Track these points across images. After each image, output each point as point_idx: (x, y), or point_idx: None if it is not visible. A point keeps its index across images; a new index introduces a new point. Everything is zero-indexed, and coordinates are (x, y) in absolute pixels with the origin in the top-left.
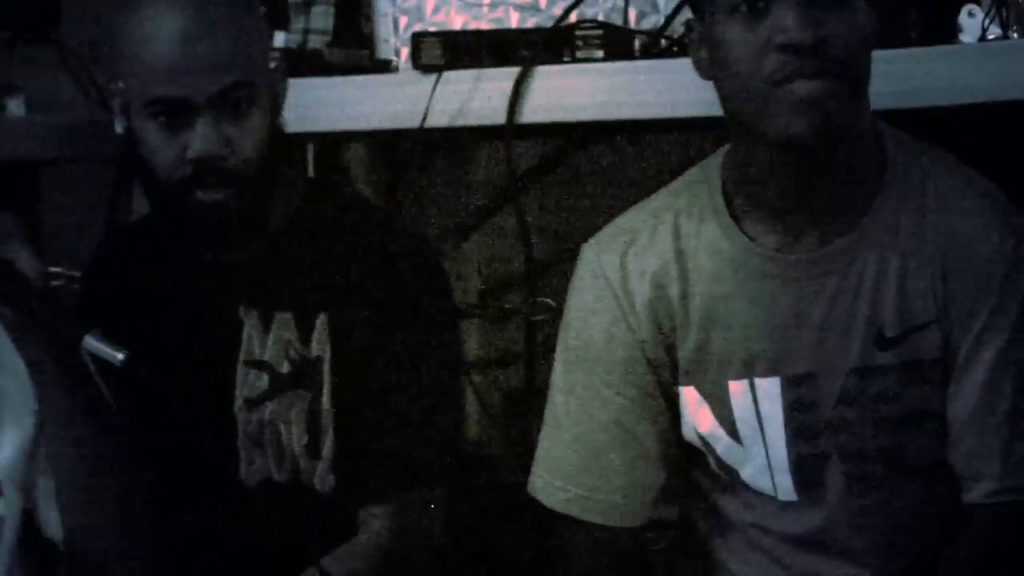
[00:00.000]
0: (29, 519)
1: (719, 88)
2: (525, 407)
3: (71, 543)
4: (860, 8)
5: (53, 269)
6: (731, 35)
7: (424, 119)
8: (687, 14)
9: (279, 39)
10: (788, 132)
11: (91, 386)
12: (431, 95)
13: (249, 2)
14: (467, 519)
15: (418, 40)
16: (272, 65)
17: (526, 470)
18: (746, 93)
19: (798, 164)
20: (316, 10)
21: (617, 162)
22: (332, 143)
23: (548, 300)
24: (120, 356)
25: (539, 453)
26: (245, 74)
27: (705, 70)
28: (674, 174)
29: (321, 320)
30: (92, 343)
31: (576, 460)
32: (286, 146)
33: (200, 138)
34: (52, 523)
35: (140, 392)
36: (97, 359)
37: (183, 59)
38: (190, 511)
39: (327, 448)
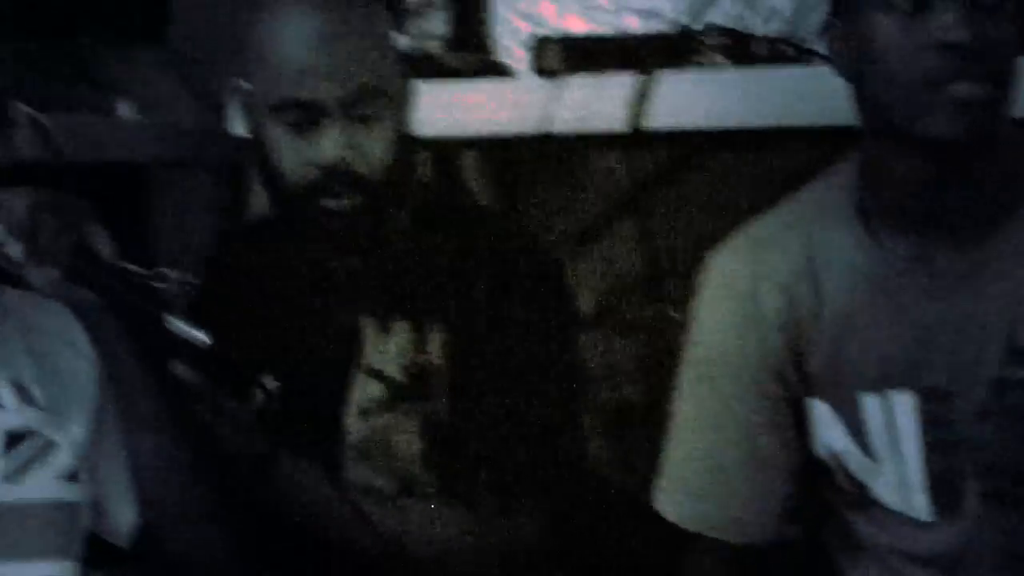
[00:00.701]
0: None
1: (864, 88)
2: (645, 420)
3: (143, 538)
4: (1013, 14)
5: (161, 270)
6: (885, 32)
7: (544, 125)
8: (811, 19)
9: (404, 42)
10: (944, 133)
11: (169, 373)
12: (551, 101)
13: (377, 6)
14: (586, 533)
15: (539, 44)
16: (398, 70)
17: (647, 484)
18: (899, 92)
19: (942, 168)
20: (432, 14)
21: (741, 170)
22: (450, 149)
23: (671, 309)
24: (205, 340)
25: (663, 467)
26: (375, 78)
27: (847, 69)
28: (801, 182)
29: (439, 329)
30: (176, 323)
31: (701, 474)
32: (413, 152)
33: (329, 143)
34: (124, 515)
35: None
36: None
37: (314, 61)
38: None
39: (441, 460)
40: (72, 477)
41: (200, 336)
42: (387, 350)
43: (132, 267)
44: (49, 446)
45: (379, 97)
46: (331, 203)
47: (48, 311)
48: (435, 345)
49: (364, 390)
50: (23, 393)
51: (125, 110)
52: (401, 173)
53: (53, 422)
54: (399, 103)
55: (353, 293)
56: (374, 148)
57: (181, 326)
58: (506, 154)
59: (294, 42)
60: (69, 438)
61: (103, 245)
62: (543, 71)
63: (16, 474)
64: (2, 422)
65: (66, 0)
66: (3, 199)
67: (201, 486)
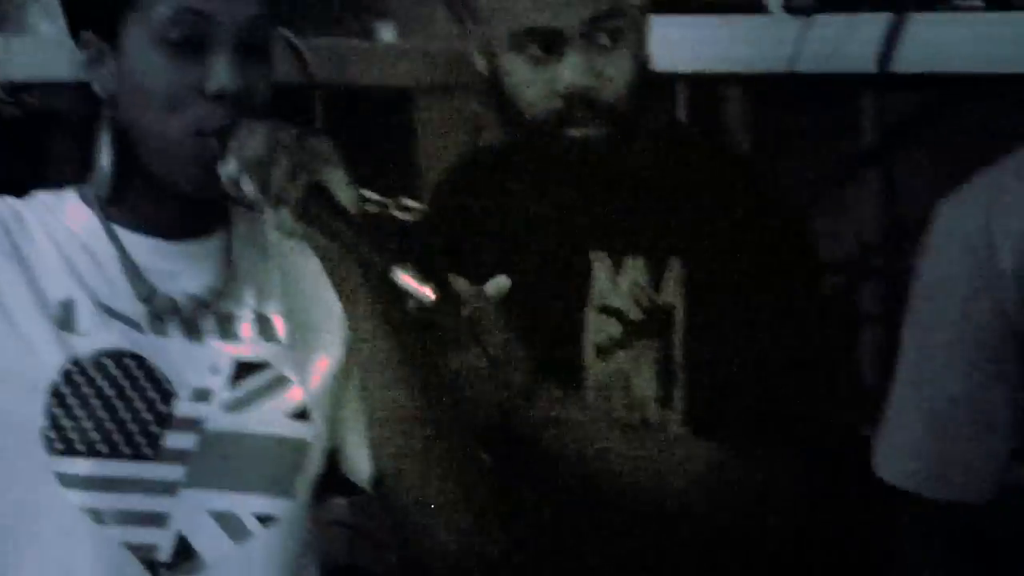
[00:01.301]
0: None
1: None
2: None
3: (381, 487)
4: None
5: (403, 200)
6: None
7: (791, 64)
8: None
9: None
10: None
11: (405, 321)
12: (800, 38)
13: None
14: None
15: None
16: None
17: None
18: None
19: None
20: None
21: (992, 117)
22: (706, 83)
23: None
24: (430, 296)
25: (883, 425)
26: (615, 2)
27: None
28: None
29: (674, 266)
30: (402, 277)
31: (922, 433)
32: (653, 84)
33: (572, 69)
34: (362, 462)
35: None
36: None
37: None
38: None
39: (679, 399)
40: (301, 416)
41: (425, 292)
42: (619, 286)
43: (373, 195)
44: (281, 382)
45: (619, 23)
46: (575, 132)
47: (304, 251)
48: (670, 283)
49: (599, 327)
50: (264, 325)
51: (385, 33)
52: (643, 102)
53: (290, 359)
54: (639, 30)
55: (584, 227)
56: (617, 75)
57: (406, 280)
58: (752, 91)
59: None
60: (305, 377)
61: (341, 188)
62: (792, 8)
63: (241, 404)
64: (234, 351)
65: None
66: (240, 132)
67: (443, 440)
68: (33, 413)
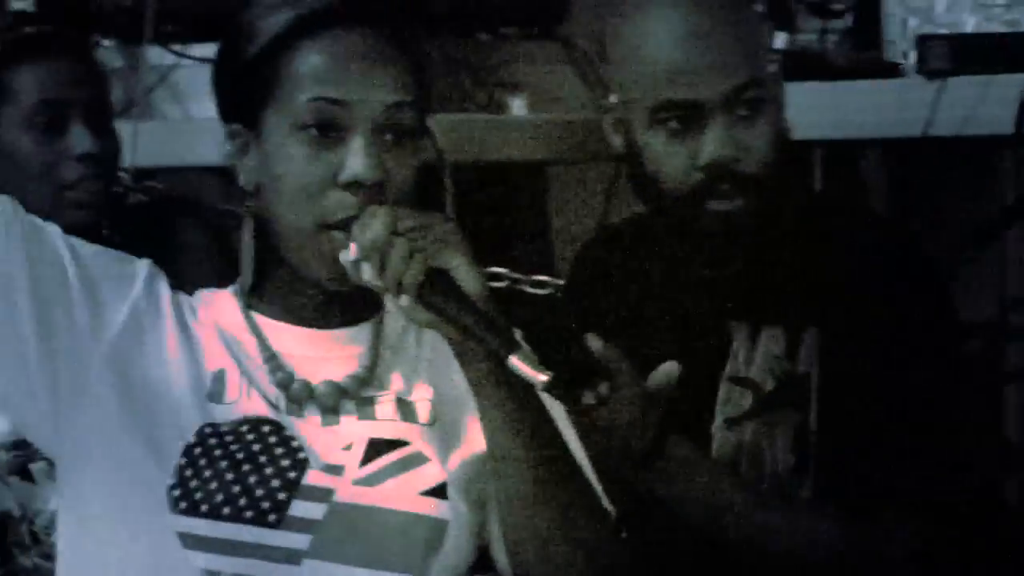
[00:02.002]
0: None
1: None
2: None
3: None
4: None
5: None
6: None
7: (928, 127)
8: None
9: (779, 40)
10: None
11: (530, 405)
12: (936, 101)
13: (749, 2)
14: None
15: (924, 43)
16: (773, 67)
17: None
18: None
19: None
20: (836, 6)
21: None
22: (842, 148)
23: None
24: (543, 378)
25: None
26: (754, 73)
27: None
28: None
29: (810, 335)
30: (515, 364)
31: None
32: (792, 152)
33: (713, 142)
34: (500, 551)
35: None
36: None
37: (692, 59)
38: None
39: (812, 467)
40: (437, 494)
41: (540, 377)
42: (755, 357)
43: (506, 272)
44: (418, 459)
45: (758, 93)
46: (716, 205)
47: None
48: (806, 352)
49: (731, 398)
50: (405, 408)
51: (517, 107)
52: (783, 171)
53: (430, 438)
54: (776, 99)
55: (724, 298)
56: (758, 145)
57: (521, 366)
58: (896, 156)
59: (670, 41)
60: (445, 457)
61: (463, 273)
62: (928, 72)
63: (374, 479)
64: (372, 429)
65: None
66: (362, 217)
67: (571, 520)
68: (163, 472)
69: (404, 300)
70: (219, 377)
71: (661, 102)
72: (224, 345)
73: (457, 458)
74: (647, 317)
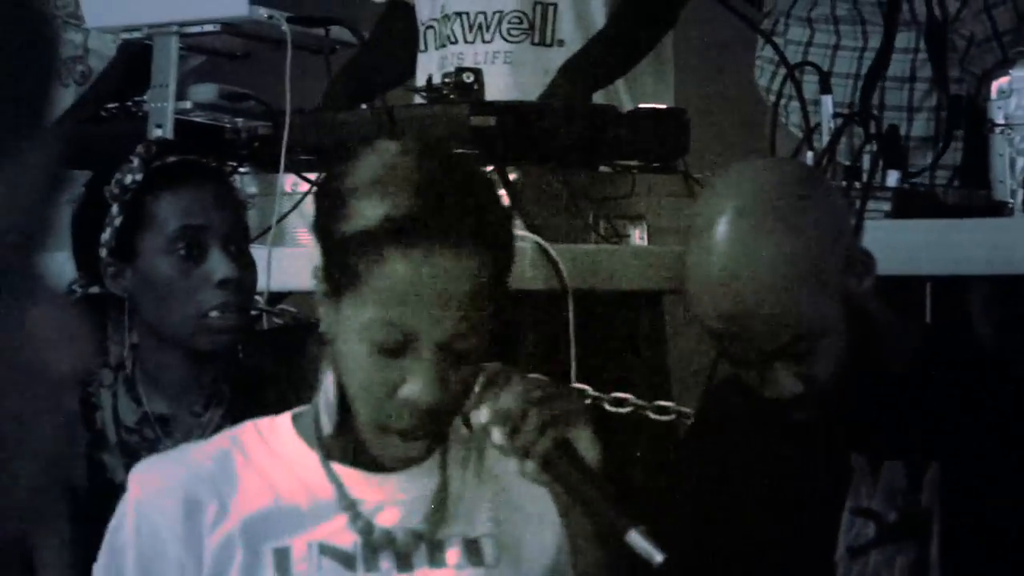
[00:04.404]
0: None
1: None
2: None
3: None
4: None
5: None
6: None
7: None
8: None
9: (892, 178)
10: None
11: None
12: None
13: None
14: None
15: None
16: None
17: None
18: None
19: None
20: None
21: None
22: (952, 285)
23: None
24: (659, 558)
25: None
26: (802, 328)
27: None
28: None
29: (932, 470)
30: (635, 540)
31: None
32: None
33: (771, 386)
34: None
35: None
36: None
37: (733, 326)
38: None
39: None
40: None
41: (655, 554)
42: (877, 490)
43: (630, 399)
44: None
45: (809, 346)
46: (797, 415)
47: (527, 488)
48: (928, 487)
49: (853, 528)
50: (471, 550)
51: (636, 237)
52: (868, 337)
53: None
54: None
55: (845, 432)
56: (818, 374)
57: (642, 543)
58: (998, 292)
59: (711, 306)
60: None
61: (587, 446)
62: None
63: None
64: None
65: (587, 133)
66: (496, 381)
67: None
68: None
69: (529, 466)
70: (283, 552)
71: (711, 337)
72: (281, 500)
73: None
74: (772, 445)
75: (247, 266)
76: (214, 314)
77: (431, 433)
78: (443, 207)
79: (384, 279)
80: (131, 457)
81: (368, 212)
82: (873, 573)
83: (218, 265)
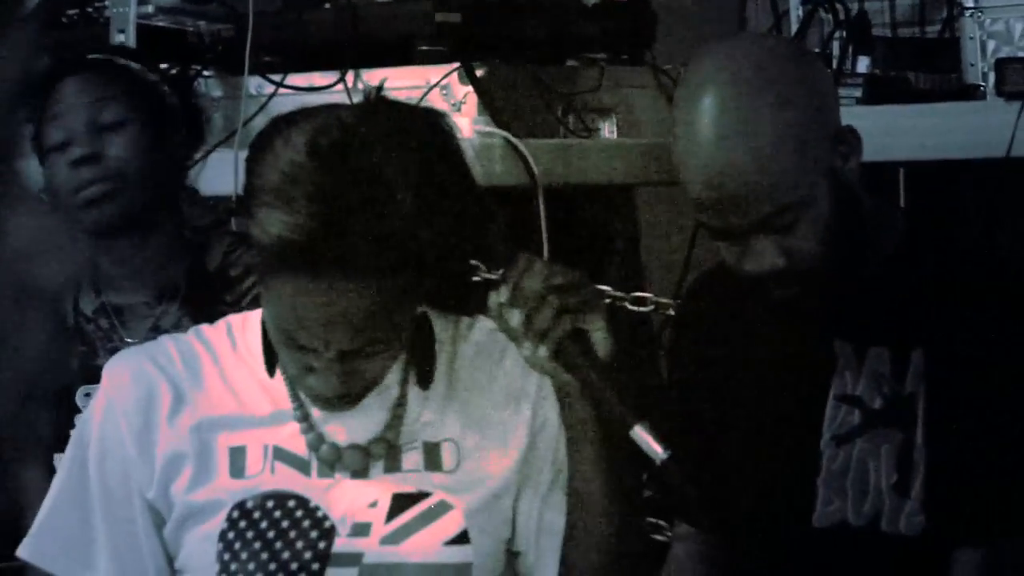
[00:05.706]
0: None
1: None
2: None
3: None
4: None
5: (640, 295)
6: None
7: (1009, 149)
8: None
9: (862, 64)
10: None
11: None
12: (1016, 124)
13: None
14: None
15: (1002, 66)
16: (832, 161)
17: None
18: None
19: None
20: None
21: None
22: (925, 171)
23: None
24: (662, 455)
25: None
26: (786, 198)
27: None
28: None
29: (917, 356)
30: (639, 434)
31: None
32: (858, 207)
33: (752, 257)
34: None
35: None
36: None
37: (719, 191)
38: (754, 554)
39: (917, 487)
40: (460, 540)
41: (659, 450)
42: (861, 376)
43: (608, 290)
44: (440, 509)
45: (795, 215)
46: (780, 293)
47: (490, 375)
48: (913, 373)
49: (838, 416)
50: (431, 455)
51: (607, 130)
52: (850, 224)
53: (453, 483)
54: (818, 201)
55: (828, 320)
56: (804, 246)
57: (644, 436)
58: (970, 177)
59: (699, 169)
60: (468, 498)
61: (599, 337)
62: (1006, 93)
63: (399, 536)
64: (395, 486)
65: (553, 28)
66: (518, 265)
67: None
68: (209, 559)
69: (542, 351)
70: (238, 451)
71: (702, 220)
72: (243, 406)
73: (480, 498)
74: (754, 335)
75: (122, 147)
76: (82, 193)
77: (356, 397)
78: (336, 233)
79: (276, 294)
80: (88, 346)
81: (266, 225)
82: (858, 460)
83: (76, 148)
